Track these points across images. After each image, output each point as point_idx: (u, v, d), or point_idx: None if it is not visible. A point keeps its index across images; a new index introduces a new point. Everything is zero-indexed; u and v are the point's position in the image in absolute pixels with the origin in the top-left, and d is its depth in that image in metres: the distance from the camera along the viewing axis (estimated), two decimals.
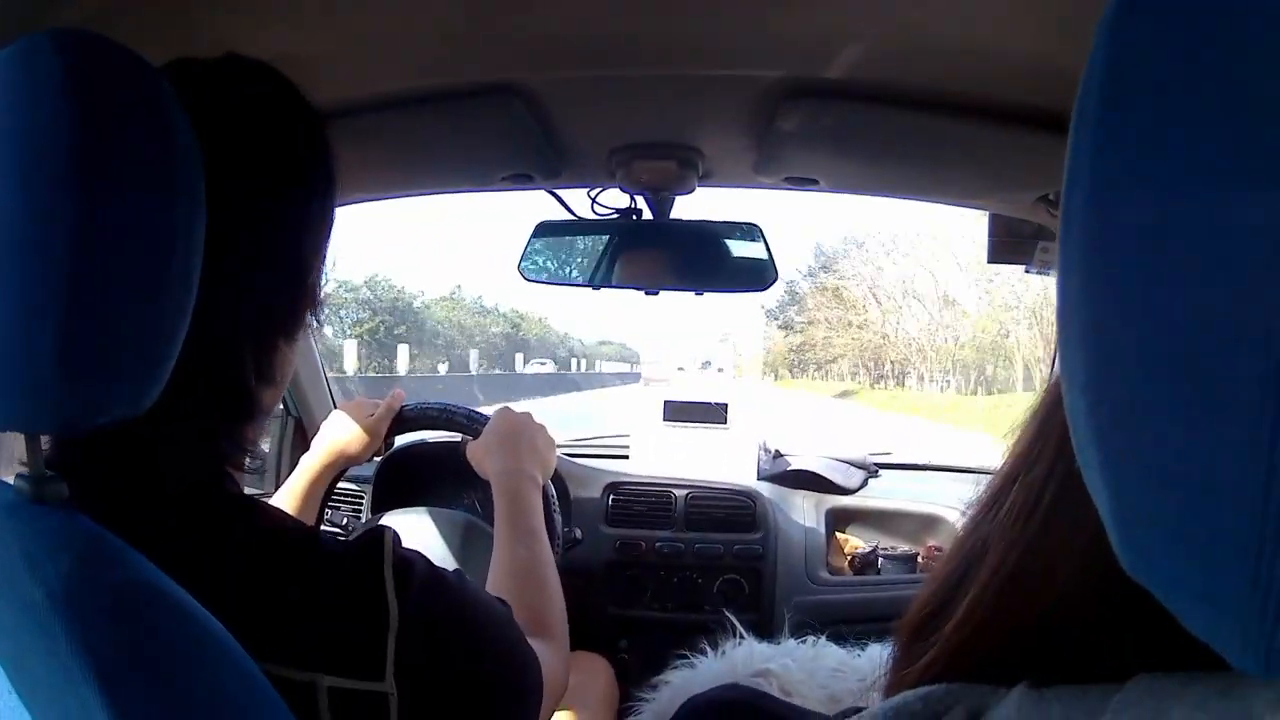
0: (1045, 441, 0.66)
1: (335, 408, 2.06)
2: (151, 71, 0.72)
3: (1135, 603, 0.54)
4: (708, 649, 1.80)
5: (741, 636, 1.82)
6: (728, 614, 1.99)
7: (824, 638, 1.80)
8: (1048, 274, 2.20)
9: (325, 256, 1.00)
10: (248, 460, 0.95)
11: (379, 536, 0.89)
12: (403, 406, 1.85)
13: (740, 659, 1.71)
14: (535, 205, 2.31)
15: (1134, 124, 0.40)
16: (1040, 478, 0.65)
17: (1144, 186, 0.39)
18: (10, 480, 0.77)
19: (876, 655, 1.70)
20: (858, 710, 0.73)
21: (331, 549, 0.89)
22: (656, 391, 2.88)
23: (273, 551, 0.86)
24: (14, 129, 0.69)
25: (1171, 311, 0.38)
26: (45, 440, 0.79)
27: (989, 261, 2.23)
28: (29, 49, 0.69)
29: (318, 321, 1.01)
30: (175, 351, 0.74)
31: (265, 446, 2.50)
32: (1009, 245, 2.16)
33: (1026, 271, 2.21)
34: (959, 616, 0.67)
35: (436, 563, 0.94)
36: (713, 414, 2.76)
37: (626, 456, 2.80)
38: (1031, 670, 0.59)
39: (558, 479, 1.88)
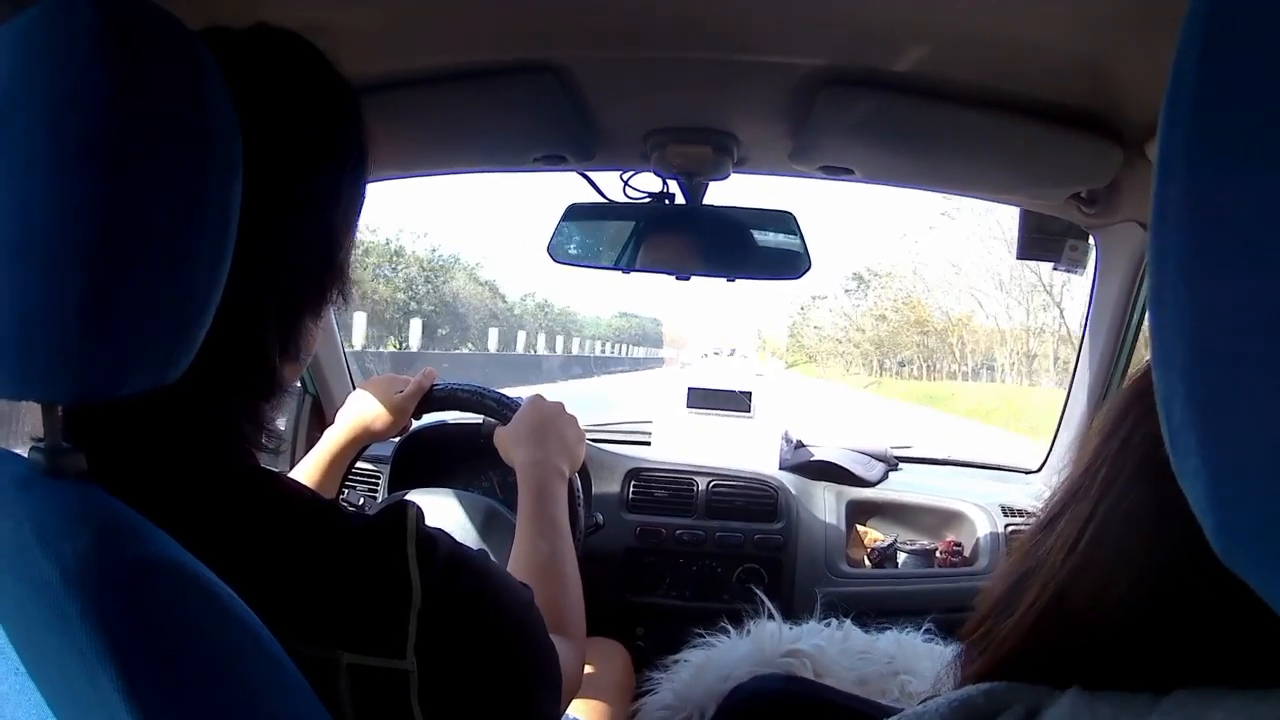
0: (1093, 477, 0.67)
1: (355, 387, 2.06)
2: (187, 33, 0.71)
3: (1175, 627, 0.56)
4: (730, 629, 1.81)
5: (771, 615, 1.82)
6: (759, 592, 2.00)
7: (849, 621, 1.81)
8: (1075, 272, 2.19)
9: (355, 233, 1.00)
10: (264, 438, 0.94)
11: (401, 512, 0.88)
12: (433, 386, 1.84)
13: (768, 639, 1.71)
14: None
15: (1235, 99, 0.39)
16: (1084, 514, 0.66)
17: (1245, 162, 0.38)
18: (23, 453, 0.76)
19: (897, 639, 1.72)
20: (928, 698, 0.75)
21: (353, 523, 0.88)
22: (681, 378, 2.87)
23: (294, 525, 0.86)
24: (45, 85, 0.67)
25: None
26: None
27: (1018, 257, 2.23)
28: (62, 6, 0.67)
29: (344, 299, 1.00)
30: (207, 322, 0.73)
31: (281, 425, 2.50)
32: (1038, 242, 2.17)
33: (1055, 269, 2.21)
34: (1007, 629, 0.70)
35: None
36: (736, 402, 2.75)
37: (649, 443, 2.79)
38: (1083, 676, 0.61)
39: (581, 468, 1.88)
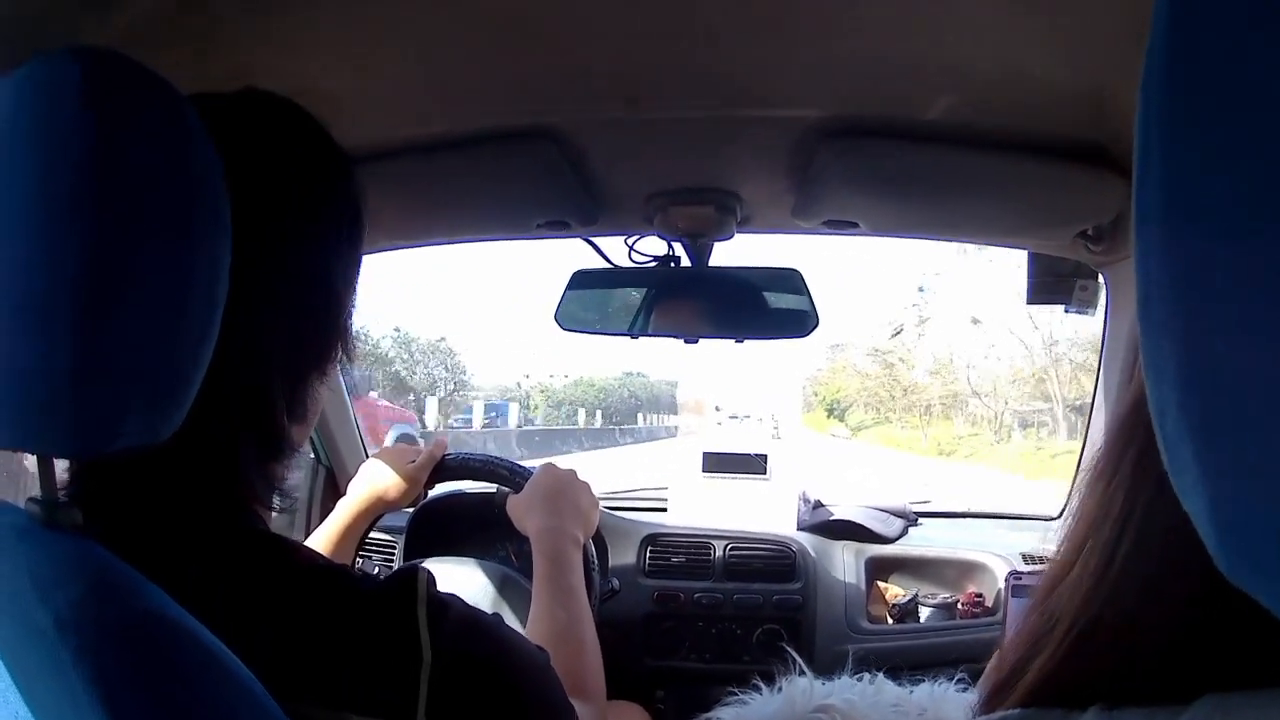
0: (1110, 506, 0.66)
1: (367, 455, 2.04)
2: (172, 91, 0.72)
3: (1206, 632, 0.55)
4: (762, 685, 1.79)
5: (802, 671, 1.80)
6: (789, 649, 1.98)
7: (881, 674, 1.79)
8: (1086, 313, 2.18)
9: (356, 292, 1.00)
10: (276, 499, 0.95)
11: (412, 576, 0.88)
12: (444, 455, 1.85)
13: (799, 695, 1.69)
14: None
15: (1202, 162, 0.38)
16: (1110, 540, 0.65)
17: (1217, 183, 0.37)
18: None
19: (930, 691, 1.70)
20: None
21: (362, 586, 0.88)
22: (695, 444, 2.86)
23: (301, 588, 0.86)
24: (33, 144, 0.69)
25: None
26: (64, 468, 0.79)
27: (1028, 302, 2.23)
28: (48, 65, 0.69)
29: (349, 359, 1.01)
30: (198, 378, 0.73)
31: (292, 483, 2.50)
32: (1049, 285, 2.16)
33: (1066, 311, 2.20)
34: (1031, 676, 0.69)
35: None
36: (752, 465, 2.74)
37: (665, 509, 2.78)
38: (1103, 695, 0.60)
39: (596, 535, 1.87)
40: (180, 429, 0.73)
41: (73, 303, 0.66)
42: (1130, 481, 0.66)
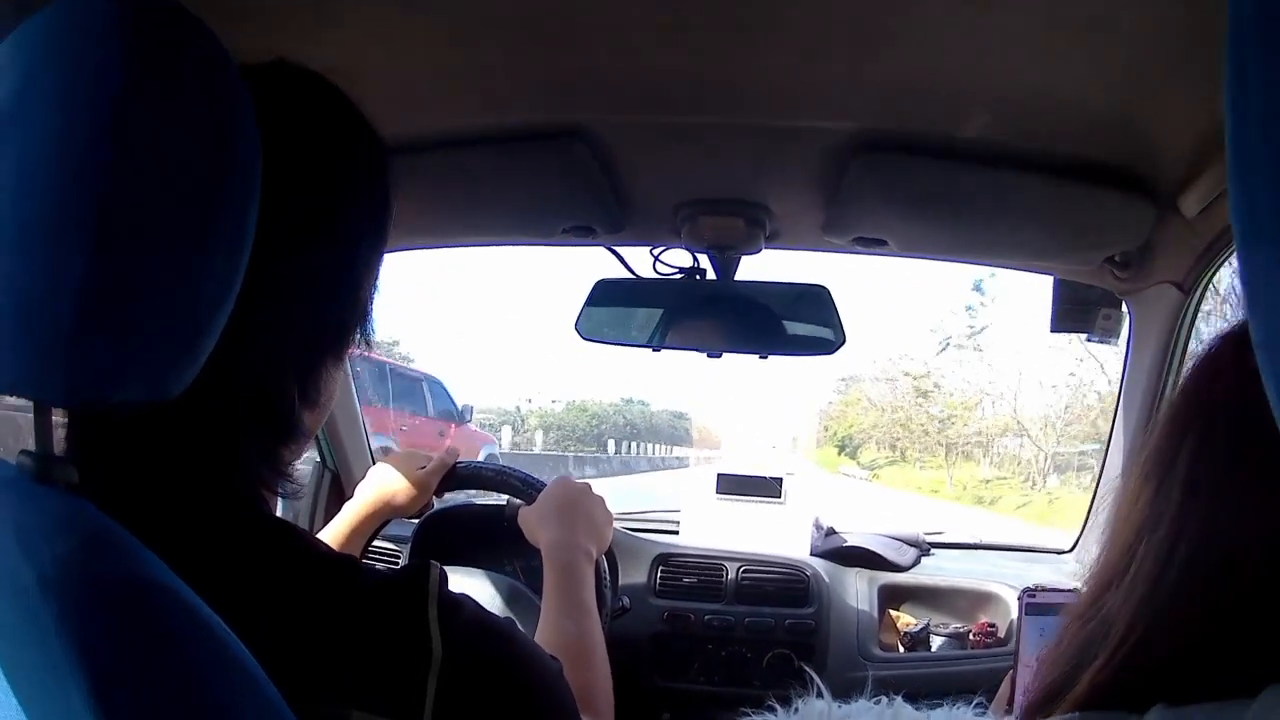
0: (1164, 506, 0.65)
1: (374, 462, 2.02)
2: (210, 34, 0.70)
3: (1268, 623, 0.54)
4: (777, 707, 1.77)
5: (820, 694, 1.79)
6: (807, 669, 1.96)
7: (899, 698, 1.78)
8: (1108, 342, 2.18)
9: (378, 274, 0.98)
10: (282, 484, 0.92)
11: (424, 572, 0.86)
12: (456, 463, 1.82)
13: (815, 716, 1.67)
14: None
15: None
16: (1166, 540, 0.64)
17: None
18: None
19: (948, 714, 1.69)
20: None
21: (371, 579, 0.85)
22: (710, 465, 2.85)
23: (307, 575, 0.83)
24: (60, 75, 0.66)
25: None
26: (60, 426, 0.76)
27: (1052, 330, 2.22)
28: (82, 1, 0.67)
29: (367, 342, 0.99)
30: (213, 335, 0.70)
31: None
32: (1073, 313, 2.16)
33: (1088, 340, 2.20)
34: (1081, 690, 0.68)
35: None
36: (767, 488, 2.72)
37: (676, 532, 2.76)
38: (1164, 695, 0.59)
39: (608, 550, 1.86)
40: (185, 400, 0.70)
41: (85, 240, 0.63)
42: (1185, 479, 0.65)
